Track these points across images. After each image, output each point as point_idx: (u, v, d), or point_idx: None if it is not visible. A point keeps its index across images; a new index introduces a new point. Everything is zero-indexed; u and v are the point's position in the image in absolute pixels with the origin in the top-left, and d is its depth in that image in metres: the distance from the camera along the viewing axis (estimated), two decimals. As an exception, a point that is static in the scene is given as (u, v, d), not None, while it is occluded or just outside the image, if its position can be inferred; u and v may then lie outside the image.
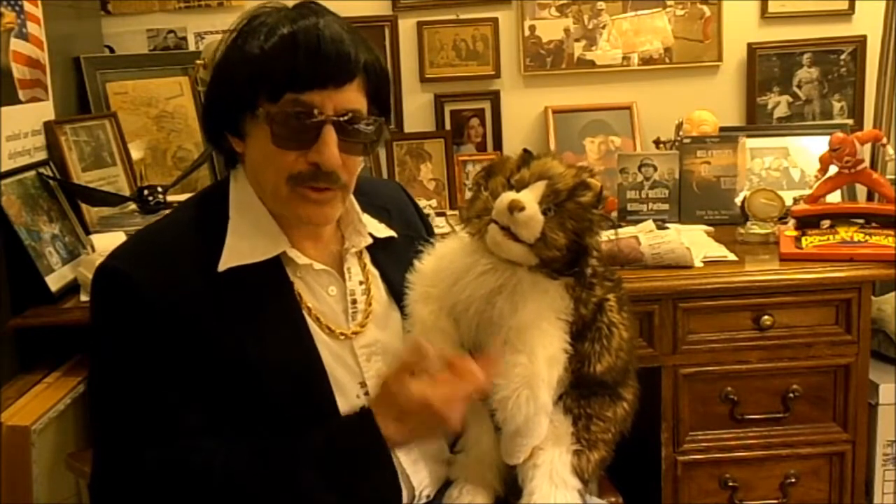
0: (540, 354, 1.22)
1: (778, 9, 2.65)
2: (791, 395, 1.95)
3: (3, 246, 1.81)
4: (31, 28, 2.03)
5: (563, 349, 1.24)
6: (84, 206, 2.09)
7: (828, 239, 1.99)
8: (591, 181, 1.25)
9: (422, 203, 1.60)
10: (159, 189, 2.13)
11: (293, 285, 1.27)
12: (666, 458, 1.97)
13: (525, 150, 1.31)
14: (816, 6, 2.64)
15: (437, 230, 1.62)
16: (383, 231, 1.38)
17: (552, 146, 2.61)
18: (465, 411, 1.21)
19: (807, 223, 2.07)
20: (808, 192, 2.20)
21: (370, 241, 1.35)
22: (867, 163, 2.14)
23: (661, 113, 2.60)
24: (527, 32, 2.65)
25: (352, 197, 1.32)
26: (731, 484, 1.99)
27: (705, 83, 2.68)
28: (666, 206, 2.34)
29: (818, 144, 2.29)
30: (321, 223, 1.29)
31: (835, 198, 2.21)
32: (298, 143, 1.20)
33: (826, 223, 2.05)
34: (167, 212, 1.95)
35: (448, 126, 2.67)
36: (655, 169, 2.35)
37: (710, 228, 2.24)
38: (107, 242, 1.84)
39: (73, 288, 1.90)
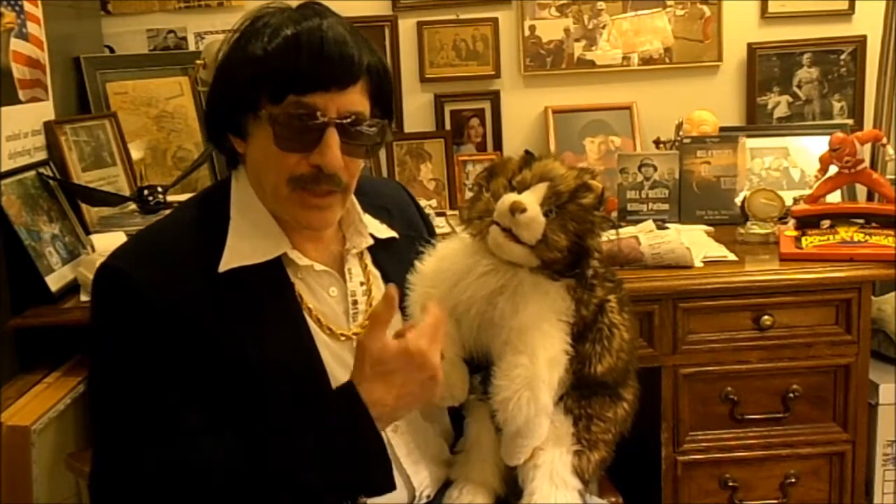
0: (541, 356, 1.22)
1: (778, 9, 2.65)
2: (791, 395, 1.95)
3: (3, 246, 1.81)
4: (31, 28, 2.03)
5: (564, 350, 1.24)
6: (84, 206, 2.09)
7: (828, 239, 1.99)
8: (593, 183, 1.25)
9: (422, 203, 1.60)
10: (159, 189, 2.13)
11: (294, 286, 1.27)
12: (666, 458, 1.97)
13: (527, 152, 1.31)
14: (816, 6, 2.64)
15: (437, 230, 1.62)
16: (384, 231, 1.38)
17: (552, 146, 2.61)
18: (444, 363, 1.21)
19: (807, 223, 2.07)
20: (808, 192, 2.20)
21: (371, 241, 1.35)
22: (867, 163, 2.14)
23: (661, 113, 2.60)
24: (527, 32, 2.65)
25: (353, 197, 1.32)
26: (731, 484, 1.99)
27: (705, 83, 2.68)
28: (666, 206, 2.34)
29: (818, 144, 2.30)
30: (321, 228, 1.29)
31: (835, 198, 2.21)
32: (301, 145, 1.20)
33: (826, 223, 2.05)
34: (167, 212, 1.95)
35: (448, 126, 2.67)
36: (655, 169, 2.35)
37: (710, 228, 2.24)
38: (107, 242, 1.84)
39: (73, 288, 1.90)
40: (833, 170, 2.13)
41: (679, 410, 1.95)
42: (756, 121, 2.66)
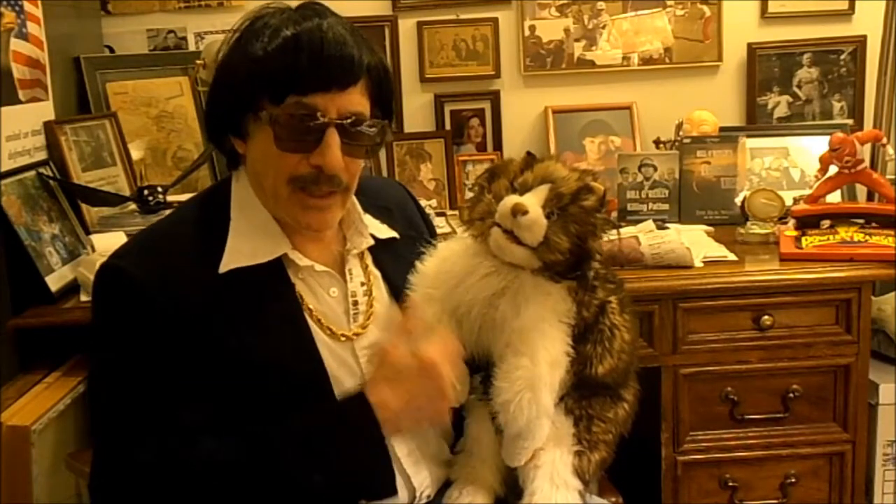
0: (542, 357, 1.22)
1: (778, 9, 2.65)
2: (791, 395, 1.95)
3: (3, 246, 1.81)
4: (31, 28, 2.03)
5: (565, 352, 1.24)
6: (84, 206, 2.09)
7: (828, 239, 1.99)
8: (595, 185, 1.25)
9: (422, 203, 1.60)
10: (159, 189, 2.13)
11: (294, 287, 1.27)
12: (666, 458, 1.97)
13: (528, 154, 1.31)
14: (816, 6, 2.64)
15: (437, 230, 1.62)
16: (385, 232, 1.38)
17: (552, 146, 2.61)
18: (456, 382, 1.22)
19: (807, 223, 2.07)
20: (808, 192, 2.20)
21: (372, 242, 1.35)
22: (867, 163, 2.14)
23: (661, 113, 2.60)
24: (527, 32, 2.65)
25: (353, 198, 1.32)
26: (731, 484, 1.99)
27: (705, 83, 2.68)
28: (666, 206, 2.34)
29: (818, 144, 2.29)
30: (321, 229, 1.29)
31: (835, 198, 2.21)
32: (301, 146, 1.20)
33: (826, 223, 2.05)
34: (168, 212, 1.95)
35: (448, 126, 2.67)
36: (655, 169, 2.35)
37: (710, 228, 2.24)
38: (107, 242, 1.84)
39: (73, 288, 1.90)
40: (833, 170, 2.13)
41: (679, 410, 1.95)
42: (756, 121, 2.66)
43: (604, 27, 2.65)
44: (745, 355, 1.94)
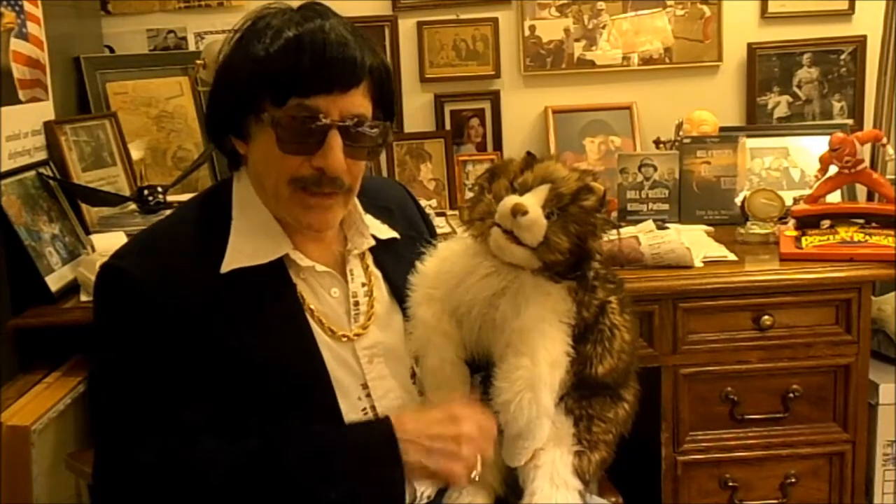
0: (542, 357, 1.22)
1: (778, 9, 2.65)
2: (791, 395, 1.95)
3: (3, 246, 1.81)
4: (31, 28, 2.03)
5: (565, 352, 1.24)
6: (84, 206, 2.09)
7: (828, 239, 1.99)
8: (595, 185, 1.25)
9: (422, 203, 1.60)
10: (159, 189, 2.13)
11: (296, 287, 1.27)
12: (666, 458, 1.97)
13: (528, 154, 1.31)
14: (816, 6, 2.64)
15: (437, 230, 1.62)
16: (386, 232, 1.38)
17: (552, 146, 2.61)
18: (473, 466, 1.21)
19: (807, 223, 2.07)
20: (808, 192, 2.20)
21: (373, 242, 1.35)
22: (867, 163, 2.14)
23: (661, 113, 2.60)
24: (527, 32, 2.65)
25: (355, 198, 1.32)
26: (731, 484, 1.99)
27: (705, 83, 2.68)
28: (666, 206, 2.34)
29: (818, 144, 2.29)
30: (322, 229, 1.29)
31: (835, 198, 2.21)
32: (303, 148, 1.20)
33: (826, 223, 2.05)
34: (168, 212, 1.95)
35: (448, 126, 2.67)
36: (655, 169, 2.35)
37: (710, 228, 2.24)
38: (107, 242, 1.84)
39: (73, 288, 1.90)
40: (833, 170, 2.13)
41: (679, 410, 1.95)
42: (756, 121, 2.66)
43: (604, 27, 2.65)
44: (745, 355, 1.94)
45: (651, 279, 1.90)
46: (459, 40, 2.66)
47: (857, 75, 2.65)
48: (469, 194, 1.87)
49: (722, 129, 2.46)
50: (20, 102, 1.97)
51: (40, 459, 1.62)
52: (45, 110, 2.09)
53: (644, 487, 1.99)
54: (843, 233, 2.00)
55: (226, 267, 1.22)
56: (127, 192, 2.22)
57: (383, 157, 2.58)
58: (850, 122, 2.57)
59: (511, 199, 1.22)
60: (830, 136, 2.12)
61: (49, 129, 2.07)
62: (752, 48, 2.65)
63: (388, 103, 1.28)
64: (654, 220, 2.10)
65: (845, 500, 2.00)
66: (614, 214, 2.28)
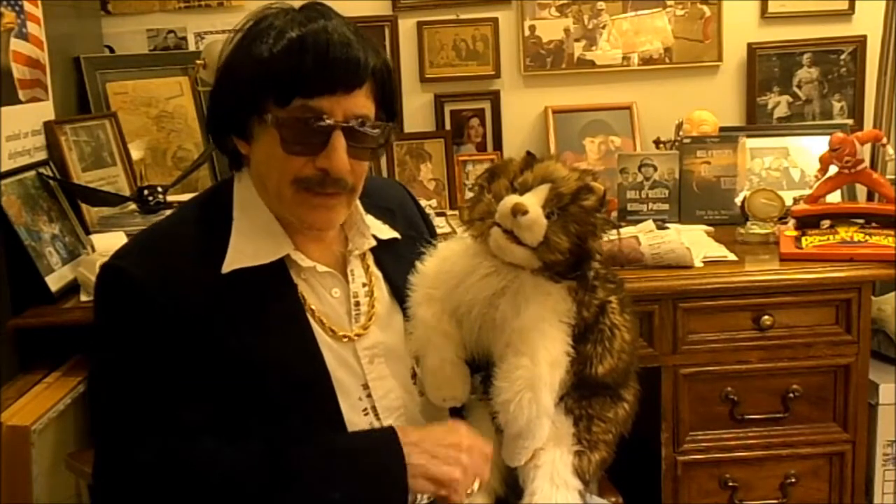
0: (542, 357, 1.22)
1: (778, 9, 2.65)
2: (791, 395, 1.95)
3: (3, 246, 1.81)
4: (31, 28, 2.03)
5: (565, 352, 1.24)
6: (84, 206, 2.09)
7: (828, 239, 1.99)
8: (595, 185, 1.25)
9: (422, 203, 1.60)
10: (159, 189, 2.13)
11: (297, 287, 1.27)
12: (666, 458, 1.97)
13: (528, 153, 1.31)
14: (816, 6, 2.64)
15: (437, 230, 1.62)
16: (387, 232, 1.38)
17: (552, 146, 2.61)
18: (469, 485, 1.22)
19: (807, 223, 2.07)
20: (808, 192, 2.20)
21: (374, 243, 1.35)
22: (867, 163, 2.14)
23: (661, 113, 2.60)
24: (527, 32, 2.65)
25: (356, 199, 1.32)
26: (731, 484, 1.99)
27: (705, 83, 2.68)
28: (666, 206, 2.34)
29: (818, 144, 2.29)
30: (326, 228, 1.29)
31: (835, 198, 2.21)
32: (307, 149, 1.20)
33: (826, 223, 2.05)
34: (168, 212, 1.95)
35: (448, 126, 2.67)
36: (655, 169, 2.35)
37: (710, 228, 2.24)
38: (107, 242, 1.84)
39: (73, 288, 1.90)
40: (833, 170, 2.13)
41: (679, 410, 1.95)
42: (756, 121, 2.66)
43: (604, 27, 2.65)
44: (745, 355, 1.94)
45: (651, 279, 1.90)
46: (459, 40, 2.66)
47: (857, 75, 2.65)
48: (469, 194, 1.87)
49: (722, 129, 2.46)
50: (20, 102, 1.97)
51: (40, 459, 1.62)
52: (45, 110, 2.09)
53: (644, 487, 1.99)
54: (843, 233, 2.00)
55: (227, 267, 1.22)
56: (127, 192, 2.22)
57: (383, 157, 2.57)
58: (850, 122, 2.57)
59: (511, 199, 1.22)
60: (830, 136, 2.12)
61: (49, 129, 2.07)
62: (752, 48, 2.65)
63: (390, 103, 1.28)
64: (654, 220, 2.10)
65: (845, 500, 2.00)
66: (614, 214, 2.27)
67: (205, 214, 1.29)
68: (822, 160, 2.15)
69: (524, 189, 1.24)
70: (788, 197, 2.20)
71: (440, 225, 2.22)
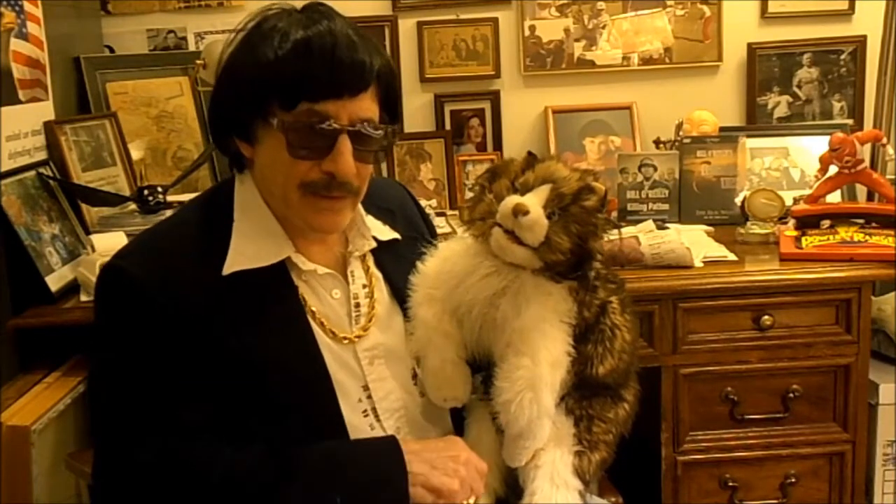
0: (543, 357, 1.22)
1: (778, 9, 2.65)
2: (791, 395, 1.95)
3: (3, 246, 1.81)
4: (31, 28, 2.03)
5: (566, 352, 1.25)
6: (84, 206, 2.09)
7: (828, 239, 1.99)
8: (596, 185, 1.25)
9: (422, 203, 1.60)
10: (159, 189, 2.13)
11: (297, 289, 1.27)
12: (666, 458, 1.97)
13: (529, 153, 1.31)
14: (816, 6, 2.64)
15: (437, 230, 1.62)
16: (387, 233, 1.38)
17: (552, 146, 2.61)
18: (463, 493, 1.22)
19: (807, 223, 2.07)
20: (808, 192, 2.20)
21: (374, 244, 1.35)
22: (867, 163, 2.14)
23: (661, 113, 2.60)
24: (527, 32, 2.65)
25: None
26: (731, 484, 1.99)
27: (705, 83, 2.68)
28: (666, 206, 2.34)
29: (818, 144, 2.29)
30: (332, 231, 1.29)
31: (835, 198, 2.21)
32: (313, 153, 1.20)
33: (826, 223, 2.05)
34: (168, 212, 1.96)
35: (448, 126, 2.67)
36: (655, 169, 2.35)
37: (710, 228, 2.24)
38: (107, 242, 1.84)
39: (73, 288, 1.90)
40: (833, 170, 2.13)
41: (679, 410, 1.95)
42: (756, 121, 2.66)
43: (604, 27, 2.65)
44: (745, 355, 1.94)
45: (651, 279, 1.90)
46: (459, 40, 2.66)
47: (857, 75, 2.65)
48: (469, 194, 1.87)
49: (722, 129, 2.46)
50: (20, 102, 1.96)
51: (40, 459, 1.62)
52: (45, 110, 2.09)
53: (644, 487, 1.99)
54: (843, 233, 2.00)
55: (227, 269, 1.22)
56: (127, 192, 2.21)
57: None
58: (850, 122, 2.57)
59: (512, 199, 1.22)
60: (830, 136, 2.12)
61: (49, 129, 2.07)
62: (752, 48, 2.65)
63: (393, 106, 1.28)
64: (654, 220, 2.10)
65: (845, 500, 2.00)
66: (614, 214, 2.27)
67: (206, 215, 1.29)
68: (822, 160, 2.15)
69: (525, 189, 1.24)
70: (788, 197, 2.20)
71: (440, 225, 2.22)
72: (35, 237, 1.87)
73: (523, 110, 2.69)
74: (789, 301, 1.93)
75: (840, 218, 2.07)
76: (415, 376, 1.34)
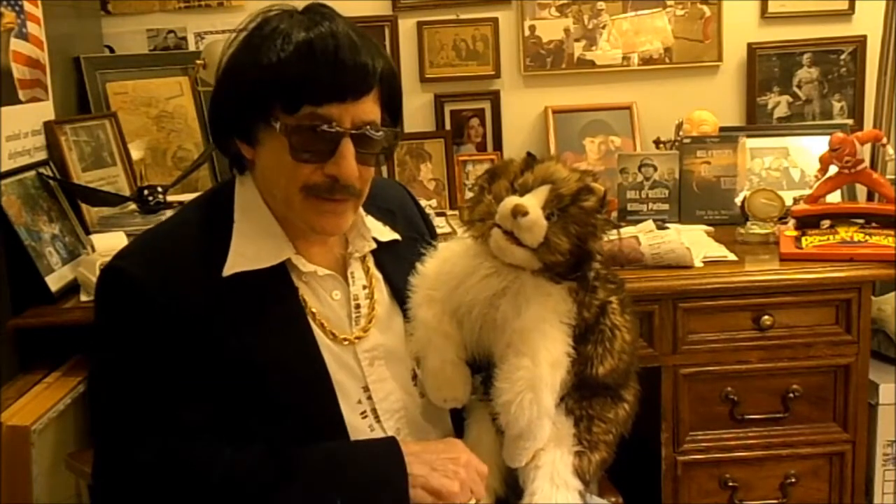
0: (543, 358, 1.22)
1: (778, 9, 2.65)
2: (791, 395, 1.95)
3: (3, 246, 1.81)
4: (31, 28, 2.03)
5: (565, 353, 1.25)
6: (84, 206, 2.09)
7: (828, 239, 1.99)
8: (595, 186, 1.25)
9: (422, 203, 1.60)
10: (159, 189, 2.13)
11: (297, 290, 1.27)
12: (666, 458, 1.97)
13: (529, 154, 1.31)
14: (816, 6, 2.64)
15: (437, 230, 1.62)
16: (387, 234, 1.38)
17: (552, 146, 2.61)
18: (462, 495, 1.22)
19: (807, 223, 2.07)
20: (808, 192, 2.20)
21: (374, 245, 1.35)
22: (867, 163, 2.14)
23: (661, 113, 2.60)
24: (527, 32, 2.65)
25: None
26: (731, 484, 1.99)
27: (705, 83, 2.68)
28: (666, 206, 2.34)
29: (818, 144, 2.29)
30: (334, 233, 1.29)
31: (835, 198, 2.21)
32: (316, 156, 1.20)
33: (826, 223, 2.05)
34: (168, 212, 1.96)
35: (448, 126, 2.67)
36: (655, 169, 2.35)
37: (710, 228, 2.24)
38: (107, 242, 1.84)
39: (73, 288, 1.90)
40: (833, 170, 2.13)
41: (679, 410, 1.95)
42: (756, 121, 2.66)
43: (604, 27, 2.65)
44: (745, 355, 1.94)
45: (651, 279, 1.90)
46: (459, 40, 2.66)
47: (857, 75, 2.65)
48: (469, 194, 1.87)
49: (722, 129, 2.46)
50: (20, 102, 1.96)
51: (40, 459, 1.62)
52: (45, 110, 2.09)
53: (644, 487, 1.99)
54: (843, 233, 2.00)
55: (228, 270, 1.22)
56: (127, 192, 2.21)
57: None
58: (850, 122, 2.57)
59: (511, 200, 1.22)
60: (830, 136, 2.12)
61: (49, 129, 2.07)
62: (752, 48, 2.65)
63: (395, 108, 1.28)
64: (654, 220, 2.10)
65: (845, 500, 2.01)
66: (614, 214, 2.27)
67: (206, 216, 1.28)
68: (822, 160, 2.15)
69: (524, 190, 1.24)
70: (788, 197, 2.20)
71: (440, 225, 2.22)
72: (35, 237, 1.87)
73: (523, 110, 2.69)
74: (789, 301, 1.93)
75: (840, 218, 2.07)
76: (415, 377, 1.34)
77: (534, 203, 1.21)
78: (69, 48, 2.34)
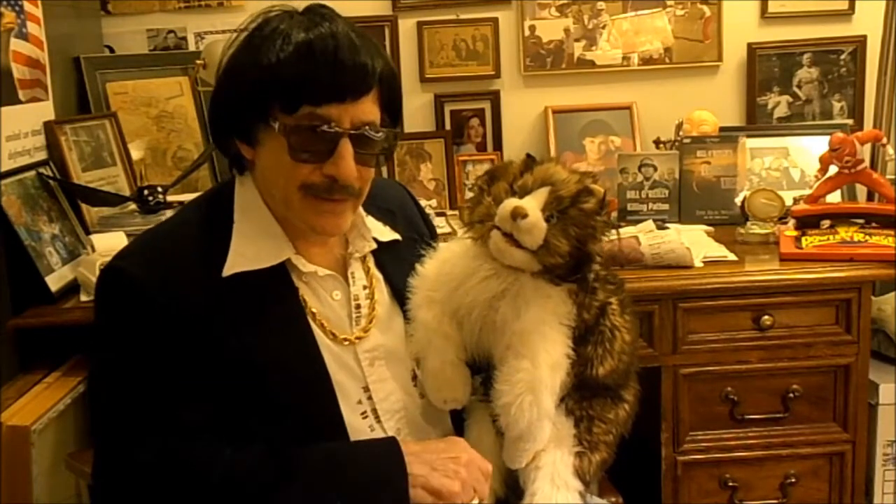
0: (543, 360, 1.22)
1: (778, 9, 2.65)
2: (791, 395, 1.95)
3: (3, 246, 1.81)
4: (31, 28, 2.03)
5: (565, 354, 1.25)
6: (84, 206, 2.09)
7: (828, 239, 1.99)
8: (595, 187, 1.25)
9: (422, 203, 1.60)
10: (159, 189, 2.13)
11: (298, 290, 1.27)
12: (666, 458, 1.97)
13: (528, 156, 1.31)
14: (816, 6, 2.64)
15: (437, 230, 1.62)
16: (388, 235, 1.38)
17: (552, 146, 2.61)
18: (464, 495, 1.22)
19: (807, 223, 2.07)
20: (808, 192, 2.20)
21: (374, 245, 1.35)
22: (867, 163, 2.14)
23: (661, 113, 2.60)
24: (527, 32, 2.65)
25: None
26: (731, 484, 1.99)
27: (705, 83, 2.68)
28: (666, 206, 2.34)
29: (818, 144, 2.29)
30: (333, 233, 1.29)
31: (835, 198, 2.21)
32: (315, 157, 1.20)
33: (826, 223, 2.05)
34: (168, 212, 1.96)
35: (448, 126, 2.67)
36: (655, 169, 2.35)
37: (710, 228, 2.24)
38: (107, 242, 1.85)
39: (73, 288, 1.90)
40: (833, 170, 2.13)
41: (679, 410, 1.95)
42: (756, 121, 2.66)
43: (604, 27, 2.65)
44: (745, 355, 1.94)
45: (651, 279, 1.90)
46: (459, 40, 2.66)
47: (857, 75, 2.65)
48: (469, 194, 1.87)
49: (722, 129, 2.46)
50: (20, 102, 1.96)
51: (40, 459, 1.62)
52: (45, 110, 2.09)
53: (644, 487, 1.99)
54: (843, 233, 2.00)
55: (227, 270, 1.22)
56: (127, 192, 2.21)
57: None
58: (850, 122, 2.57)
59: (511, 202, 1.22)
60: (830, 136, 2.12)
61: (49, 129, 2.07)
62: (752, 48, 2.65)
63: (395, 108, 1.28)
64: (654, 220, 2.10)
65: (845, 500, 2.01)
66: (614, 214, 2.27)
67: (206, 216, 1.28)
68: (822, 160, 2.15)
69: (524, 192, 1.24)
70: (788, 197, 2.20)
71: (440, 225, 2.22)
72: (35, 237, 1.87)
73: (523, 110, 2.69)
74: (789, 301, 1.93)
75: (840, 218, 2.07)
76: (415, 378, 1.34)
77: (533, 205, 1.21)
78: (69, 48, 2.34)
